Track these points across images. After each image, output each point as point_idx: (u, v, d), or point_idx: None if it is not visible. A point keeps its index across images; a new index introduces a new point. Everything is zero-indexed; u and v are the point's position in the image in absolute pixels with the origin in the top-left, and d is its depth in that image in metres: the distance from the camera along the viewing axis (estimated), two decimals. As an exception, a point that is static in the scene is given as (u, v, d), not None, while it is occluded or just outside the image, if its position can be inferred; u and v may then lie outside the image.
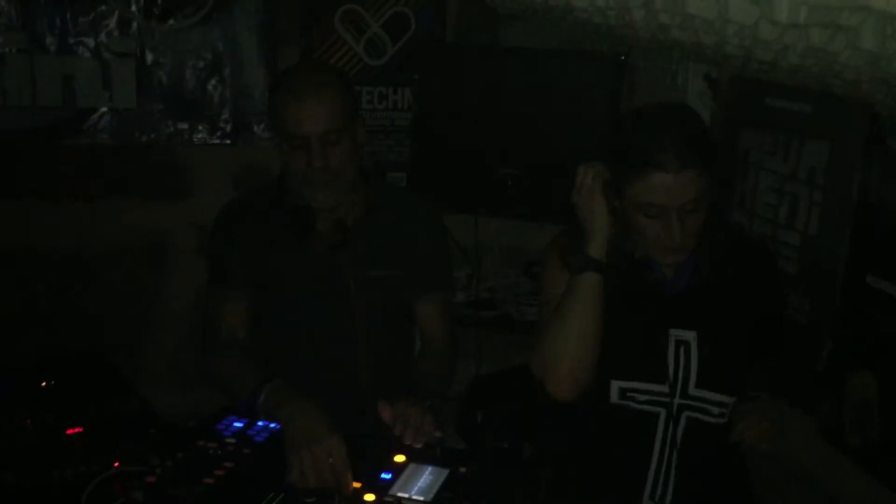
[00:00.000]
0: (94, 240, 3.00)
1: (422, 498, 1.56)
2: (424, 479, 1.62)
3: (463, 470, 1.65)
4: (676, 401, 1.75)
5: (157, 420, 1.90)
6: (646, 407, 1.76)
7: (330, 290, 2.02)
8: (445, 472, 1.64)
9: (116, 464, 1.62)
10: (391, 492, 1.57)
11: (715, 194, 1.70)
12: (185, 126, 3.02)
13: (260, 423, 1.79)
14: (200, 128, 3.03)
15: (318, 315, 2.04)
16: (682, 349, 1.75)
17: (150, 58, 2.95)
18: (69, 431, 1.75)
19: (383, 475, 1.62)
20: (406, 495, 1.56)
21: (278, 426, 1.76)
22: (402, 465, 1.66)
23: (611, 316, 1.76)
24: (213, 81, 3.01)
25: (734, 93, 2.42)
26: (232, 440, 1.72)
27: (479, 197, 3.05)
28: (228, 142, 3.05)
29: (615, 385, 1.77)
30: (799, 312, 2.11)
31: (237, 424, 1.79)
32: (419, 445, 1.70)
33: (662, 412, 1.75)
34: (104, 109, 2.95)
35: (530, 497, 1.56)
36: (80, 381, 1.98)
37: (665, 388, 1.74)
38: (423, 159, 3.10)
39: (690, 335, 1.75)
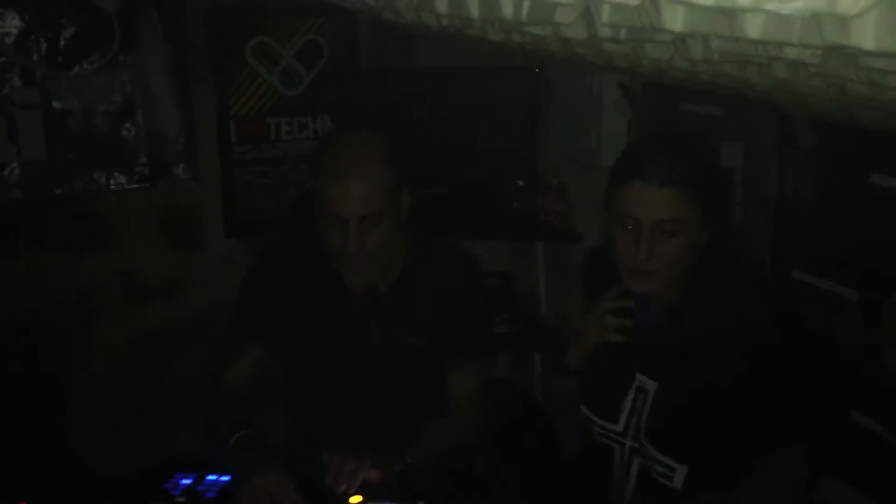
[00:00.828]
0: (16, 297, 2.89)
1: (382, 539, 1.55)
2: (384, 519, 1.60)
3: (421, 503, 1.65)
4: (629, 443, 1.74)
5: (101, 483, 1.84)
6: (602, 440, 1.78)
7: (358, 357, 1.96)
8: (403, 507, 1.64)
9: (62, 535, 1.57)
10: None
11: (719, 243, 1.65)
12: (100, 173, 2.93)
13: (209, 478, 1.76)
14: (117, 174, 2.95)
15: (343, 380, 1.98)
16: (640, 396, 1.72)
17: (57, 106, 2.86)
18: (11, 508, 1.69)
19: (343, 514, 1.60)
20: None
21: (228, 478, 1.73)
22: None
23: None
24: (126, 125, 2.94)
25: (649, 99, 2.48)
26: (182, 499, 1.68)
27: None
28: (147, 185, 2.98)
29: (582, 409, 1.80)
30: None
31: (185, 481, 1.75)
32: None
33: (617, 448, 1.76)
34: (14, 164, 2.84)
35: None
36: (15, 452, 1.91)
37: (618, 429, 1.74)
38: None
39: (652, 385, 1.70)
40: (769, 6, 0.67)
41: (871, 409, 1.77)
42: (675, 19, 0.76)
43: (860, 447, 1.80)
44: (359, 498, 1.66)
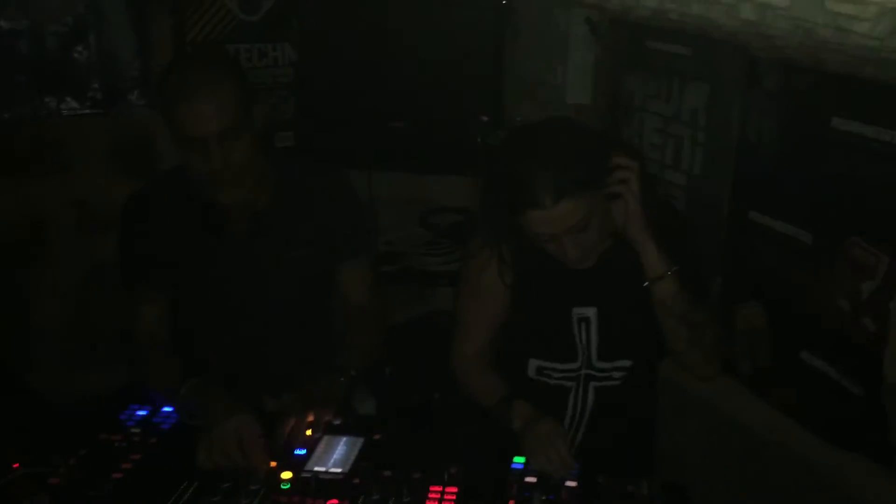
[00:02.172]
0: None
1: (339, 469, 1.56)
2: (340, 451, 1.62)
3: (377, 437, 1.66)
4: (583, 372, 1.84)
5: (54, 413, 1.83)
6: (559, 382, 1.85)
7: (249, 279, 1.97)
8: (360, 440, 1.65)
9: (16, 465, 1.55)
10: (307, 467, 1.57)
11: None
12: (51, 98, 2.84)
13: (165, 409, 1.75)
14: (68, 98, 2.86)
15: (237, 306, 1.99)
16: (583, 325, 1.81)
17: (4, 26, 2.74)
18: (-39, 437, 1.66)
19: (297, 451, 1.61)
20: (323, 468, 1.56)
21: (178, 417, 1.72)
22: (316, 439, 1.65)
23: (522, 296, 1.83)
24: (78, 48, 2.83)
25: (615, 36, 2.45)
26: (137, 430, 1.68)
27: (369, 151, 3.01)
28: (101, 111, 2.89)
29: (532, 363, 1.86)
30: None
31: (140, 413, 1.75)
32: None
33: (572, 385, 1.85)
34: (-40, 85, 2.74)
35: (449, 457, 1.57)
36: (-35, 382, 1.88)
37: (576, 365, 1.84)
38: (309, 117, 3.03)
39: (591, 311, 1.80)
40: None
41: (820, 349, 1.81)
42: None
43: (809, 387, 1.84)
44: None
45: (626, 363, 1.84)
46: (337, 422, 1.69)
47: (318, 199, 2.01)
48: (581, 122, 1.80)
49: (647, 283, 1.70)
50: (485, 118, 3.06)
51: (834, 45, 1.27)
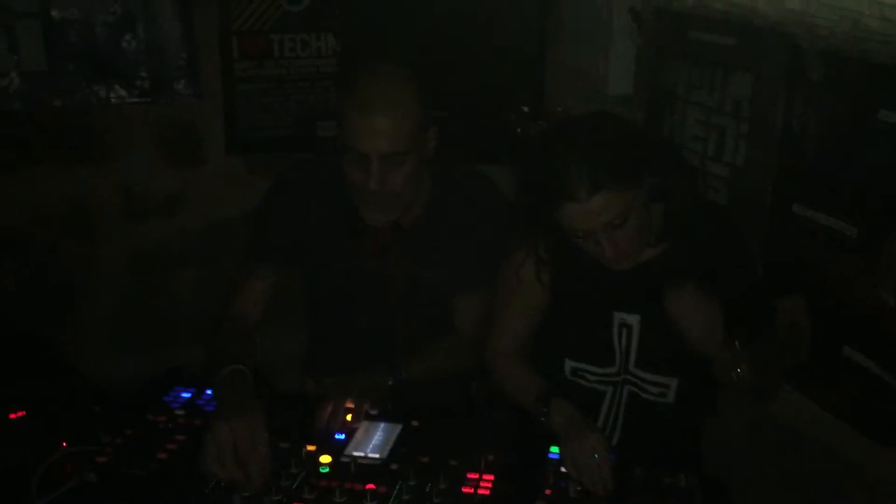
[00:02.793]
0: (15, 211, 2.89)
1: (377, 455, 1.58)
2: (378, 437, 1.64)
3: (415, 423, 1.68)
4: (621, 377, 1.82)
5: (101, 394, 1.87)
6: (595, 385, 1.84)
7: (372, 289, 1.96)
8: (398, 427, 1.67)
9: (64, 444, 1.60)
10: (346, 451, 1.59)
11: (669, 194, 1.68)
12: (100, 86, 2.90)
13: (209, 392, 1.78)
14: (117, 87, 2.92)
15: (359, 310, 1.99)
16: (624, 331, 1.78)
17: (56, 16, 2.80)
18: (12, 416, 1.71)
19: (337, 436, 1.63)
20: (361, 454, 1.58)
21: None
22: (355, 425, 1.67)
23: (561, 297, 1.82)
24: (126, 37, 2.89)
25: (659, 26, 2.43)
26: (181, 412, 1.71)
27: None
28: (148, 100, 2.95)
29: (568, 363, 1.85)
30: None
31: (185, 395, 1.78)
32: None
33: (609, 389, 1.84)
34: (13, 74, 2.80)
35: (486, 445, 1.58)
36: (15, 363, 1.93)
37: (613, 370, 1.82)
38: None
39: (634, 319, 1.77)
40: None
41: (863, 344, 1.78)
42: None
43: (852, 383, 1.82)
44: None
45: (668, 380, 1.79)
46: (374, 412, 1.71)
47: (463, 228, 1.93)
48: (624, 118, 1.76)
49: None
50: (525, 109, 3.06)
51: (880, 36, 1.25)
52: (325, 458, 1.56)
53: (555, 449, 1.59)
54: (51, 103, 2.85)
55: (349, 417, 1.67)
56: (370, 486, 1.47)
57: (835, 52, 1.77)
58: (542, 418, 1.69)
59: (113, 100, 2.92)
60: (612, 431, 1.85)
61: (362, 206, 1.84)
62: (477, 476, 1.50)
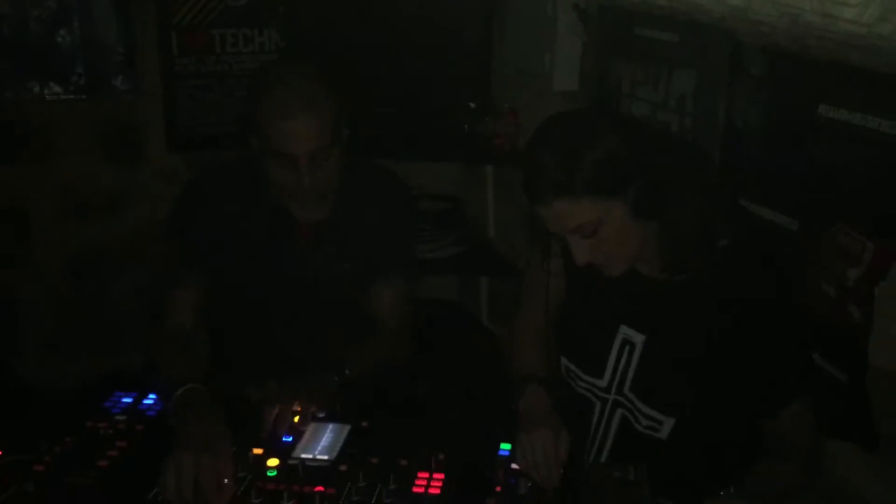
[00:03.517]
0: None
1: (326, 457, 1.56)
2: (327, 438, 1.61)
3: (364, 424, 1.66)
4: (612, 397, 1.68)
5: (38, 400, 1.82)
6: (584, 393, 1.74)
7: (296, 285, 1.96)
8: (347, 427, 1.65)
9: (0, 452, 1.54)
10: (294, 454, 1.56)
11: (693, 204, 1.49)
12: (34, 82, 2.82)
13: (150, 397, 1.74)
14: (52, 83, 2.84)
15: (278, 307, 1.98)
16: (626, 349, 1.65)
17: (-13, 11, 2.72)
18: (-56, 425, 1.65)
19: (284, 438, 1.61)
20: (310, 455, 1.56)
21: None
22: (301, 427, 1.65)
23: (575, 291, 1.74)
24: (61, 32, 2.81)
25: (603, 23, 2.44)
26: (122, 417, 1.66)
27: (357, 137, 3.00)
28: (84, 97, 2.87)
29: (563, 361, 1.77)
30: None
31: (126, 400, 1.74)
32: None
33: (597, 403, 1.72)
34: (-58, 70, 2.72)
35: (436, 444, 1.57)
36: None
37: (601, 383, 1.69)
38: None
39: (639, 339, 1.63)
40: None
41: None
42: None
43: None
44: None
45: (662, 417, 1.60)
46: (321, 414, 1.69)
47: (372, 215, 1.96)
48: (629, 119, 1.59)
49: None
50: (473, 105, 3.05)
51: (821, 32, 1.27)
52: (273, 462, 1.53)
53: (505, 446, 1.59)
54: (-17, 100, 2.77)
55: (296, 420, 1.65)
56: (319, 488, 1.45)
57: (775, 48, 1.80)
58: (513, 404, 1.64)
59: (48, 96, 2.84)
60: (600, 452, 1.72)
61: (294, 207, 1.87)
62: (427, 475, 1.49)
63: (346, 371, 1.83)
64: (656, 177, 1.45)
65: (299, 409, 1.66)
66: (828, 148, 1.70)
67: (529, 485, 1.47)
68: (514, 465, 1.53)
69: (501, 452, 1.58)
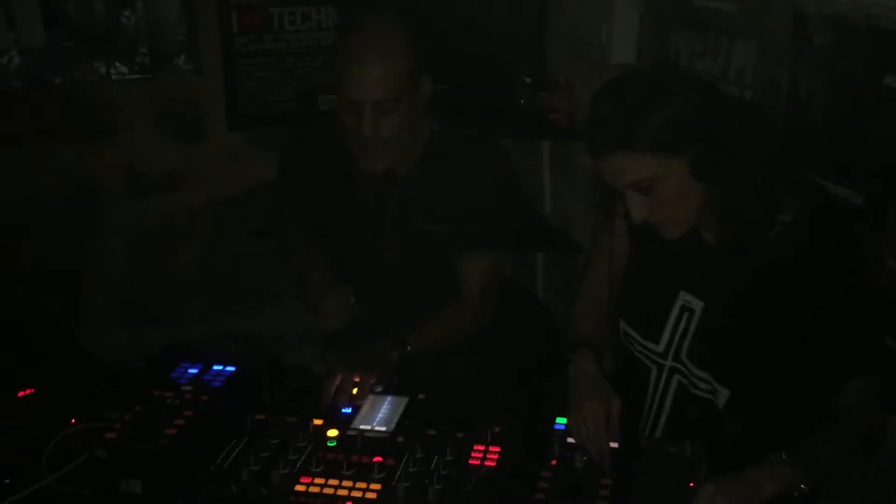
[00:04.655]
0: (17, 188, 2.89)
1: (384, 428, 1.59)
2: (385, 410, 1.64)
3: (421, 396, 1.68)
4: (668, 363, 1.67)
5: (108, 371, 1.88)
6: (641, 357, 1.73)
7: (372, 238, 2.00)
8: (405, 400, 1.67)
9: (73, 420, 1.60)
10: (353, 425, 1.59)
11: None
12: (100, 63, 2.88)
13: (215, 367, 1.79)
14: (117, 64, 2.90)
15: (361, 261, 2.05)
16: (685, 315, 1.63)
17: (53, -8, 2.79)
18: (21, 394, 1.72)
19: (344, 410, 1.64)
20: (368, 427, 1.59)
21: (233, 369, 1.76)
22: (361, 399, 1.68)
23: (637, 255, 1.72)
24: (125, 13, 2.87)
25: (661, -6, 2.41)
26: (188, 387, 1.70)
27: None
28: (149, 76, 2.93)
29: (622, 324, 1.75)
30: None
31: (192, 371, 1.78)
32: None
33: (654, 368, 1.70)
34: (12, 52, 2.79)
35: (492, 417, 1.59)
36: (23, 341, 1.94)
37: (658, 348, 1.68)
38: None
39: (699, 305, 1.61)
40: None
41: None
42: None
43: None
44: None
45: (718, 386, 1.59)
46: (379, 388, 1.71)
47: (461, 181, 1.94)
48: (699, 79, 1.55)
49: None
50: (527, 79, 3.03)
51: (886, 1, 1.24)
52: (332, 432, 1.56)
53: (561, 420, 1.59)
54: (51, 81, 2.84)
55: (355, 391, 1.68)
56: (377, 458, 1.47)
57: (840, 17, 1.75)
58: (566, 361, 1.65)
59: (113, 76, 2.91)
60: (657, 420, 1.71)
61: (358, 153, 1.89)
62: (483, 448, 1.51)
63: (409, 348, 1.85)
64: (718, 140, 1.44)
65: (358, 380, 1.69)
66: (894, 119, 1.65)
67: (585, 458, 1.48)
68: (569, 440, 1.53)
69: (557, 426, 1.59)
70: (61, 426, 1.57)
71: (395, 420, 1.61)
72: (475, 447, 1.51)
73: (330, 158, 2.00)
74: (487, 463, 1.48)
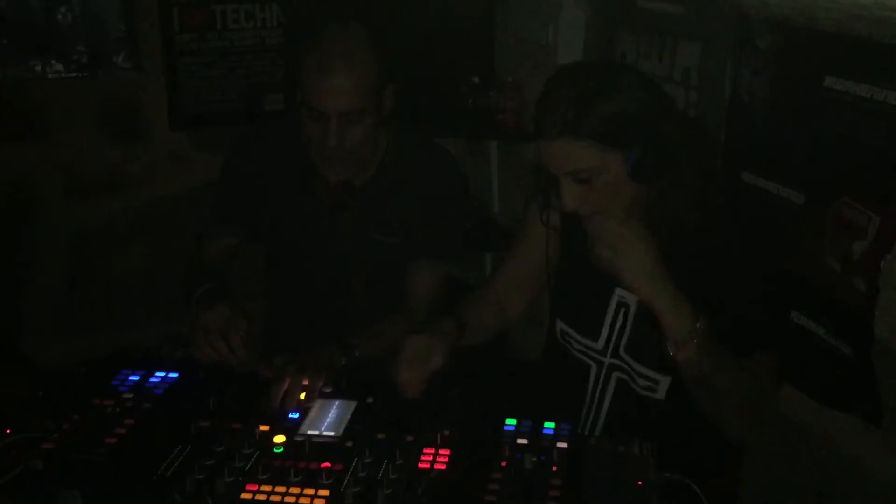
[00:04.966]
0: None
1: (332, 433, 1.56)
2: (333, 414, 1.62)
3: (370, 400, 1.66)
4: (608, 360, 1.71)
5: (45, 379, 1.82)
6: (580, 356, 1.76)
7: (329, 249, 1.99)
8: (353, 403, 1.65)
9: (8, 430, 1.55)
10: (301, 430, 1.57)
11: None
12: (36, 61, 2.80)
13: (157, 375, 1.75)
14: (53, 62, 2.82)
15: (313, 270, 2.02)
16: (622, 311, 1.68)
17: (-14, -12, 2.70)
18: (-48, 405, 1.66)
19: (291, 415, 1.61)
20: (316, 432, 1.57)
21: (176, 375, 1.72)
22: (308, 403, 1.65)
23: (570, 256, 1.75)
24: (61, 10, 2.79)
25: (607, -5, 2.43)
26: (129, 395, 1.67)
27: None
28: (86, 75, 2.86)
29: (559, 324, 1.79)
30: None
31: (133, 378, 1.74)
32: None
33: (593, 366, 1.73)
34: (-57, 49, 2.70)
35: (441, 420, 1.58)
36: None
37: (597, 346, 1.71)
38: (298, 79, 3.00)
39: (633, 299, 1.65)
40: None
41: (811, 310, 1.81)
42: None
43: (800, 347, 1.85)
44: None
45: (658, 376, 1.63)
46: (328, 389, 1.69)
47: (416, 193, 1.95)
48: (650, 82, 1.56)
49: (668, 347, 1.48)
50: (476, 80, 3.03)
51: (827, 3, 1.26)
52: (279, 438, 1.54)
53: (511, 421, 1.59)
54: (-15, 79, 2.76)
55: (303, 396, 1.65)
56: (325, 464, 1.45)
57: (782, 19, 1.78)
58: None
59: (50, 75, 2.83)
60: (596, 416, 1.74)
61: (321, 163, 1.89)
62: (433, 451, 1.50)
63: (356, 353, 1.83)
64: (661, 144, 1.48)
65: (307, 383, 1.66)
66: (834, 120, 1.68)
67: (535, 459, 1.47)
68: (519, 441, 1.53)
69: (507, 428, 1.58)
70: (-5, 437, 1.52)
71: (344, 424, 1.59)
72: (425, 450, 1.50)
73: (283, 166, 1.97)
74: (437, 466, 1.46)
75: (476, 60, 3.05)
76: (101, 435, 1.53)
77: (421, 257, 2.00)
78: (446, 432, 1.53)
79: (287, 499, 1.38)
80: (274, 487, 1.40)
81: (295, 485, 1.40)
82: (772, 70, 1.85)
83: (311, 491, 1.39)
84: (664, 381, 1.63)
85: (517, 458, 1.48)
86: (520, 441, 1.53)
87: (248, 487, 1.40)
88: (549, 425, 1.57)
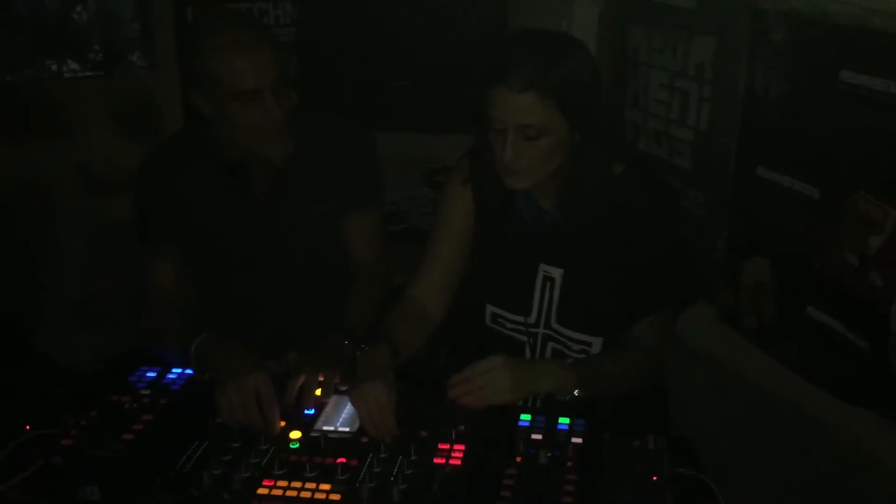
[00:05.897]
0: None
1: (347, 429, 1.57)
2: (348, 410, 1.63)
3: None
4: (541, 331, 1.85)
5: (64, 376, 1.84)
6: (512, 334, 1.87)
7: (269, 238, 2.00)
8: (368, 399, 1.66)
9: (27, 427, 1.57)
10: (316, 426, 1.58)
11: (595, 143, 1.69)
12: (52, 60, 2.82)
13: (174, 371, 1.76)
14: (69, 61, 2.84)
15: (256, 265, 2.02)
16: (548, 284, 1.81)
17: (3, -13, 2.72)
18: (-27, 401, 1.68)
19: (306, 411, 1.62)
20: (332, 428, 1.58)
21: (192, 372, 1.74)
22: (324, 399, 1.66)
23: (488, 243, 1.84)
24: (77, 9, 2.81)
25: (620, -10, 2.42)
26: (146, 391, 1.68)
27: (373, 111, 2.99)
28: (102, 73, 2.88)
29: (489, 308, 1.89)
30: (694, 205, 2.18)
31: (150, 374, 1.75)
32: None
33: (527, 340, 1.86)
34: (-41, 49, 2.72)
35: (457, 415, 1.58)
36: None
37: (530, 320, 1.84)
38: (311, 75, 3.01)
39: (557, 272, 1.80)
40: None
41: (827, 304, 1.80)
42: None
43: (816, 342, 1.85)
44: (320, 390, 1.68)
45: (590, 339, 1.82)
46: (344, 387, 1.70)
47: (333, 154, 2.02)
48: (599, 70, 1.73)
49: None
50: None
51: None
52: (295, 434, 1.55)
53: (525, 417, 1.60)
54: (2, 79, 2.78)
55: (318, 392, 1.66)
56: (341, 459, 1.46)
57: (796, 13, 1.77)
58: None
59: (66, 74, 2.85)
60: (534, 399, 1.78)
61: (263, 145, 1.89)
62: (448, 446, 1.50)
63: (355, 332, 1.85)
64: (598, 120, 1.68)
65: (322, 379, 1.67)
66: (850, 114, 1.67)
67: (549, 455, 1.48)
68: (533, 436, 1.53)
69: (521, 423, 1.59)
70: (16, 433, 1.53)
71: (359, 421, 1.59)
72: (440, 446, 1.51)
73: (206, 166, 1.97)
74: (452, 461, 1.47)
75: (488, 55, 3.04)
76: (119, 431, 1.55)
77: (353, 210, 2.05)
78: (461, 428, 1.54)
79: (303, 494, 1.39)
80: (290, 483, 1.41)
81: (310, 480, 1.42)
82: (787, 64, 1.84)
83: (326, 486, 1.40)
84: (596, 342, 1.81)
85: (531, 454, 1.49)
86: (534, 436, 1.54)
87: (265, 483, 1.42)
88: (564, 421, 1.58)
